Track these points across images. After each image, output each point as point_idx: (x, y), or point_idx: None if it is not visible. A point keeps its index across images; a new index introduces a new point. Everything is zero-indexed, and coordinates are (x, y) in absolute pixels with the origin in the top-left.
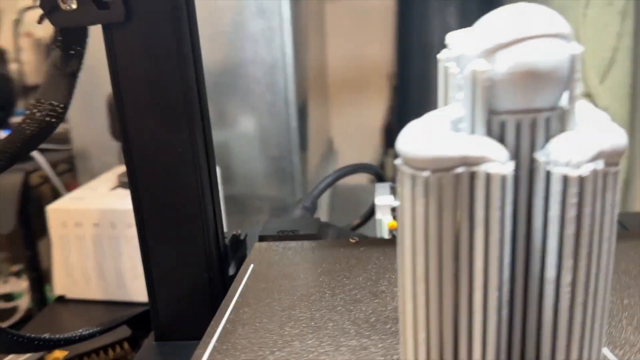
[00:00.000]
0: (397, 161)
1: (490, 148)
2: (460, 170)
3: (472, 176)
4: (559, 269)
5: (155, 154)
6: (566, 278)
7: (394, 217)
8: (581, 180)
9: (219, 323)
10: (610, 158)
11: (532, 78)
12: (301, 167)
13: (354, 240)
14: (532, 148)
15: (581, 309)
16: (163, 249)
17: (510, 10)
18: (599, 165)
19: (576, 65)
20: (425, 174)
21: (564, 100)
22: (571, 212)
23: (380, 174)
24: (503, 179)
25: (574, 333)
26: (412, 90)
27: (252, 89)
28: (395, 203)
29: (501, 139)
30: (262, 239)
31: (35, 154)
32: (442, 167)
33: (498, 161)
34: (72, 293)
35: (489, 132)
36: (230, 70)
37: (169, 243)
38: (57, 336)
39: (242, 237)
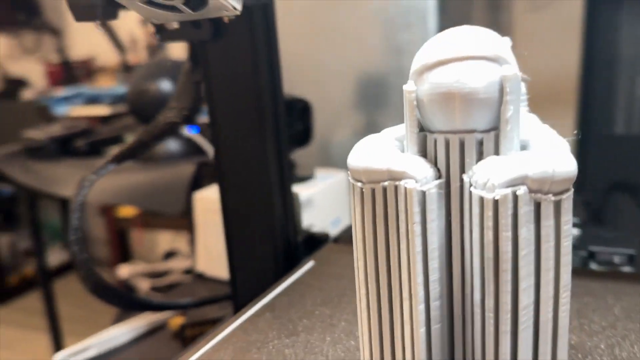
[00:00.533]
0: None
1: (412, 165)
2: (386, 183)
3: (397, 190)
4: (482, 293)
5: (237, 157)
6: (489, 302)
7: None
8: (495, 203)
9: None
10: (540, 185)
11: (449, 99)
12: None
13: None
14: (463, 168)
15: (508, 337)
16: (242, 242)
17: (448, 33)
18: (521, 190)
19: (508, 88)
20: (360, 184)
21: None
22: (489, 235)
23: None
24: (420, 194)
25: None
26: (597, 105)
27: (397, 100)
28: None
29: (436, 158)
30: (336, 240)
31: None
32: (372, 179)
33: (416, 178)
34: (209, 271)
35: (425, 150)
36: (377, 82)
37: (246, 237)
38: (168, 302)
39: (323, 237)
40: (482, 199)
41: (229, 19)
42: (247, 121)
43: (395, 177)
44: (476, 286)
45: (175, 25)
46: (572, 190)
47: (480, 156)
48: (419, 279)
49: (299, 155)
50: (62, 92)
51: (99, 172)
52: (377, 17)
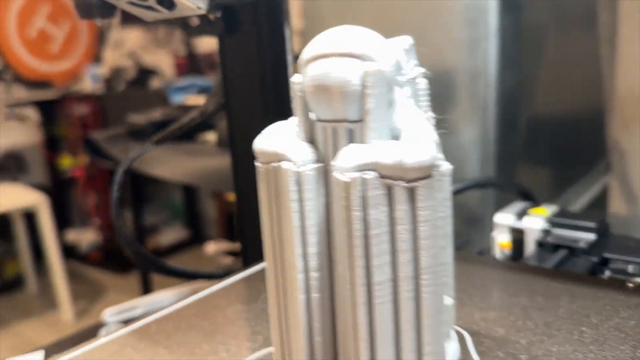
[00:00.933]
0: None
1: (292, 149)
2: (275, 164)
3: (280, 170)
4: (343, 266)
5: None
6: (347, 276)
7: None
8: (347, 185)
9: None
10: (390, 171)
11: (321, 91)
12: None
13: None
14: (336, 154)
15: (363, 309)
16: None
17: (330, 31)
18: (369, 175)
19: (369, 82)
20: (258, 163)
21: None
22: (343, 214)
23: (527, 193)
24: (296, 175)
25: (359, 333)
26: None
27: (453, 97)
28: (516, 224)
29: (319, 144)
30: None
31: None
32: (266, 160)
33: (293, 160)
34: None
35: (313, 137)
36: (436, 78)
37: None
38: (202, 271)
39: None
40: (338, 181)
41: (214, 16)
42: (255, 108)
43: (281, 159)
44: (340, 260)
45: (197, 21)
46: (433, 178)
47: (350, 143)
48: (297, 251)
49: None
50: (180, 82)
51: (140, 152)
52: (439, 13)
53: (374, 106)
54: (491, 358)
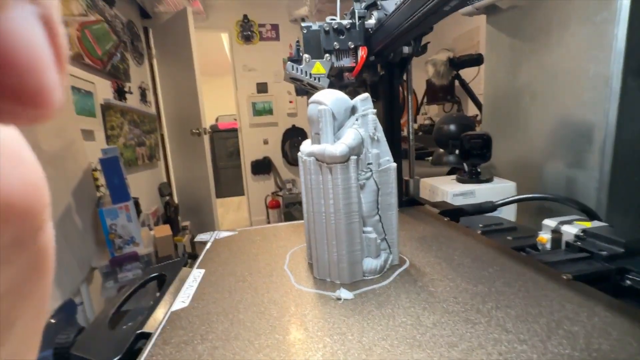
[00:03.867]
0: None
1: (303, 147)
2: (305, 157)
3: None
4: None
5: None
6: (308, 207)
7: (551, 237)
8: (304, 162)
9: None
10: (319, 158)
11: (309, 118)
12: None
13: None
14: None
15: (312, 225)
16: None
17: (322, 91)
18: (310, 158)
19: (319, 115)
20: (303, 157)
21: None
22: (305, 177)
23: (588, 210)
24: (303, 161)
25: (311, 235)
26: None
27: (577, 143)
28: (556, 227)
29: None
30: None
31: None
32: (302, 156)
33: (302, 152)
34: None
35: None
36: (566, 128)
37: None
38: None
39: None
40: (303, 160)
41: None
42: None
43: (302, 154)
44: (307, 201)
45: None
46: (344, 163)
47: (317, 143)
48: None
49: (483, 167)
50: None
51: None
52: (572, 79)
53: (322, 126)
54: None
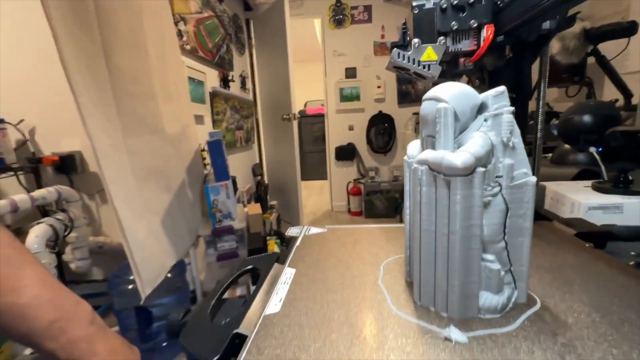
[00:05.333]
0: None
1: (409, 148)
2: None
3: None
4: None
5: None
6: (413, 222)
7: None
8: (414, 170)
9: None
10: (435, 167)
11: (421, 118)
12: None
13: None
14: None
15: (417, 242)
16: None
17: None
18: (422, 167)
19: (438, 114)
20: (412, 163)
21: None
22: (414, 187)
23: None
24: (413, 168)
25: (414, 254)
26: None
27: None
28: None
29: None
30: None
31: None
32: (410, 161)
33: (408, 156)
34: None
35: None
36: None
37: None
38: None
39: None
40: (409, 167)
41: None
42: None
43: (409, 158)
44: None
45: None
46: (466, 176)
47: (432, 148)
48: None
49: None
50: None
51: None
52: None
53: (439, 128)
54: None
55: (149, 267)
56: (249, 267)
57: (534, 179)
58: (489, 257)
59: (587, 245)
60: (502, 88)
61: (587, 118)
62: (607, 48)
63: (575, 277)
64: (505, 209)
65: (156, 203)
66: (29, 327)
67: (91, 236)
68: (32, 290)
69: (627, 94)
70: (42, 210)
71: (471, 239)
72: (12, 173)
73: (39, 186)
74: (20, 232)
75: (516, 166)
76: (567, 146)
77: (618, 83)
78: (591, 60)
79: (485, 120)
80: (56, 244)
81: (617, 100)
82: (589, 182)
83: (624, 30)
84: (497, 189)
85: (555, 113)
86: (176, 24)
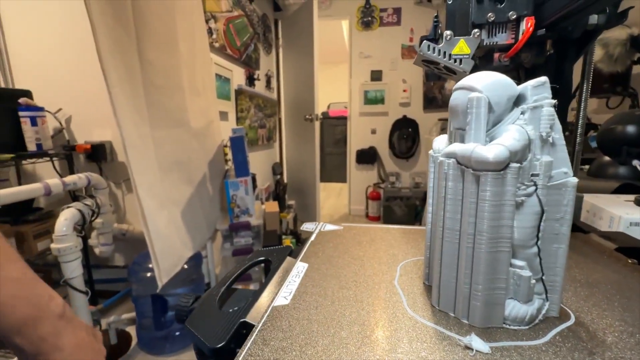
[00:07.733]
0: None
1: (435, 142)
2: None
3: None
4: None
5: None
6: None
7: None
8: (440, 163)
9: None
10: (463, 161)
11: (450, 109)
12: None
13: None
14: None
15: (439, 241)
16: None
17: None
18: (449, 160)
19: (469, 105)
20: (438, 156)
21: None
22: (438, 180)
23: None
24: (439, 162)
25: (435, 254)
26: None
27: None
28: None
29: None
30: None
31: None
32: (436, 155)
33: (433, 150)
34: None
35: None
36: None
37: None
38: None
39: None
40: (435, 160)
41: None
42: None
43: (435, 152)
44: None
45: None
46: (497, 171)
47: (462, 141)
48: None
49: None
50: None
51: None
52: None
53: (470, 119)
54: None
55: (168, 257)
56: (262, 258)
57: (575, 180)
58: (519, 262)
59: (630, 261)
60: (543, 78)
61: (630, 128)
62: None
63: (615, 293)
64: (541, 211)
65: (178, 195)
66: (1, 323)
67: (115, 223)
68: (10, 288)
69: None
70: (73, 195)
71: (500, 241)
72: (48, 158)
73: (71, 172)
74: (51, 215)
75: (555, 165)
76: (606, 158)
77: None
78: (637, 69)
79: (523, 113)
80: (83, 228)
81: None
82: (631, 197)
83: None
84: (532, 188)
85: (594, 125)
86: (207, 21)
